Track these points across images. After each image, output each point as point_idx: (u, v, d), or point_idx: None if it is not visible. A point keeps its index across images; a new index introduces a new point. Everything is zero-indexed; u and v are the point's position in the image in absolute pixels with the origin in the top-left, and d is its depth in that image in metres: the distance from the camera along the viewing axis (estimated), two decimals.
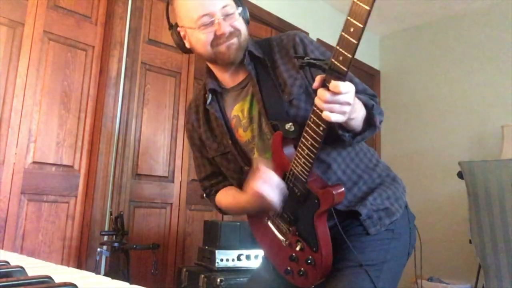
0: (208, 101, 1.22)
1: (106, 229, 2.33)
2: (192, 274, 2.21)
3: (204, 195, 1.40)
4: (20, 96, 2.13)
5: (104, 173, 2.36)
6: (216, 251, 2.19)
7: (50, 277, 0.55)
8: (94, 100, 2.42)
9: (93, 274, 0.65)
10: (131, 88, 2.54)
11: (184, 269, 2.28)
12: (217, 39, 1.11)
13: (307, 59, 0.90)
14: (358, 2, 0.79)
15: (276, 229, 1.17)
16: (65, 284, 0.52)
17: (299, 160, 1.03)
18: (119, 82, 2.48)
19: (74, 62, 2.36)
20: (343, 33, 0.84)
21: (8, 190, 2.05)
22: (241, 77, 1.21)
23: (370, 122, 1.06)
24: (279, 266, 1.20)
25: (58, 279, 0.56)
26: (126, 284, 0.56)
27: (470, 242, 2.62)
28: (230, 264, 2.19)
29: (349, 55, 0.84)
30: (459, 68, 3.89)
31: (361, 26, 0.80)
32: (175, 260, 2.67)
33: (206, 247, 2.30)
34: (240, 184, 1.24)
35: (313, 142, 0.98)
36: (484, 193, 2.53)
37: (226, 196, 1.30)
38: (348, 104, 0.90)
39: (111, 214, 2.31)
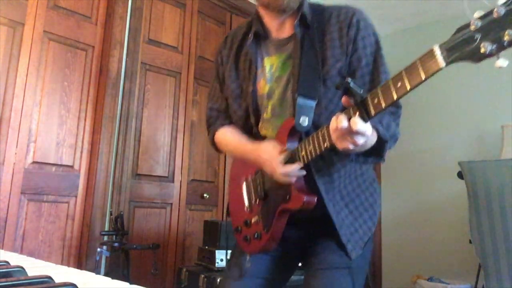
0: (249, 41, 1.21)
1: (106, 229, 2.33)
2: (192, 274, 2.21)
3: (207, 125, 1.38)
4: (20, 96, 2.13)
5: (104, 173, 2.36)
6: (216, 251, 2.19)
7: (50, 277, 0.55)
8: (94, 100, 2.42)
9: (93, 274, 0.65)
10: (131, 88, 2.54)
11: (184, 269, 2.28)
12: None
13: (348, 82, 0.86)
14: (420, 66, 0.75)
15: (246, 193, 1.23)
16: (65, 284, 0.52)
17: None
18: (119, 82, 2.48)
19: (74, 62, 2.36)
20: (390, 82, 0.81)
21: (8, 190, 2.05)
22: (286, 33, 1.19)
23: (377, 152, 1.04)
24: (234, 220, 1.29)
25: (58, 279, 0.56)
26: (126, 284, 0.56)
27: (470, 242, 2.61)
28: None
29: (383, 105, 0.82)
30: (459, 68, 3.89)
31: (408, 89, 0.77)
32: (175, 260, 2.67)
33: (206, 247, 2.30)
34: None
35: (313, 150, 0.99)
36: (484, 193, 2.53)
37: (232, 134, 1.27)
38: (356, 144, 0.89)
39: (111, 214, 2.31)
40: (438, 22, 4.02)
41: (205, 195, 2.86)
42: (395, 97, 0.80)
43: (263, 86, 1.19)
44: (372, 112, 0.84)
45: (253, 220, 1.18)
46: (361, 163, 1.16)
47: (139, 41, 2.62)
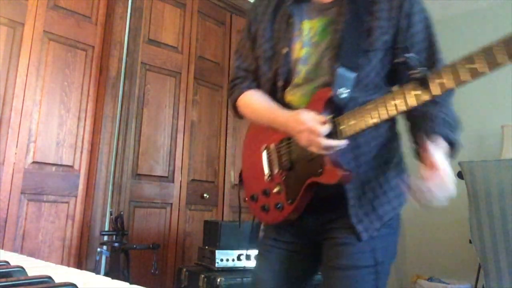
0: (290, 1, 1.15)
1: (106, 229, 2.33)
2: (192, 274, 2.21)
3: (231, 84, 1.28)
4: (20, 96, 2.13)
5: (104, 173, 2.36)
6: (216, 251, 2.19)
7: (50, 277, 0.55)
8: (94, 100, 2.42)
9: (93, 274, 0.65)
10: (131, 88, 2.54)
11: (184, 269, 2.28)
12: None
13: (407, 57, 0.82)
14: (498, 49, 0.71)
15: (267, 162, 1.16)
16: (65, 284, 0.52)
17: None
18: (119, 82, 2.48)
19: (74, 62, 2.36)
20: (460, 63, 0.77)
21: (8, 190, 2.05)
22: None
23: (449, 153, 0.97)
24: (248, 188, 1.22)
25: (58, 279, 0.56)
26: (126, 284, 0.56)
27: (470, 242, 2.61)
28: (230, 264, 2.19)
29: (448, 86, 0.78)
30: None
31: (485, 71, 0.74)
32: (175, 260, 2.67)
33: (206, 247, 2.30)
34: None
35: (357, 125, 0.94)
36: (484, 193, 2.53)
37: (262, 99, 1.18)
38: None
39: (111, 214, 2.31)
40: (438, 22, 4.01)
41: (205, 195, 2.86)
42: (467, 79, 0.76)
43: (299, 49, 1.12)
44: (433, 93, 0.80)
45: (274, 190, 1.11)
46: None
47: (139, 41, 2.62)
